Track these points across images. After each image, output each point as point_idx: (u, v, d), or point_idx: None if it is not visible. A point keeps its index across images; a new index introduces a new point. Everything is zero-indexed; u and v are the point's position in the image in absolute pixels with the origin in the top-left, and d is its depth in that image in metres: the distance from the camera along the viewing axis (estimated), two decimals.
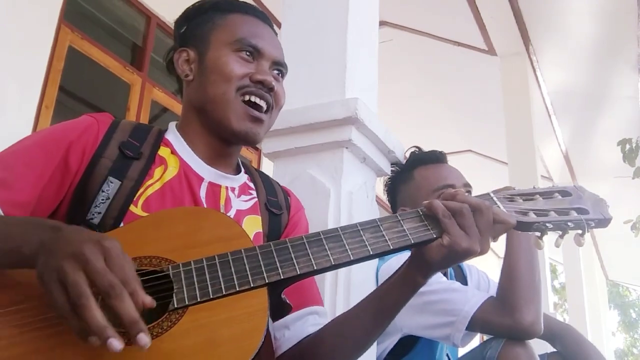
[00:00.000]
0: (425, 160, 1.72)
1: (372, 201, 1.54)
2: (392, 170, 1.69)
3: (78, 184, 0.97)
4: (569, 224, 0.97)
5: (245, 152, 4.87)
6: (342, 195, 1.40)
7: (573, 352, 1.68)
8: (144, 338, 0.67)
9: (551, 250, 6.91)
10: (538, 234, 0.99)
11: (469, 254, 0.89)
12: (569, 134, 6.35)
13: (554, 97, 5.67)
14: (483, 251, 0.91)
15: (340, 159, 1.44)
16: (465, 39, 5.13)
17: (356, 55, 1.57)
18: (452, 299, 1.44)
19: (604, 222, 1.00)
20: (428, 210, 0.92)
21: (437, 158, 1.72)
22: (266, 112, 1.09)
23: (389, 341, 1.55)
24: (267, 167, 1.66)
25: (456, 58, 5.35)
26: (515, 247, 1.46)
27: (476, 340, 1.60)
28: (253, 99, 1.07)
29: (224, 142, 1.11)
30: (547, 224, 0.97)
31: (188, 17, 1.17)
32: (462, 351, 1.68)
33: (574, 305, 7.15)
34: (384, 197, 1.83)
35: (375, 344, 1.39)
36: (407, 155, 1.76)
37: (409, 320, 1.49)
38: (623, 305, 16.88)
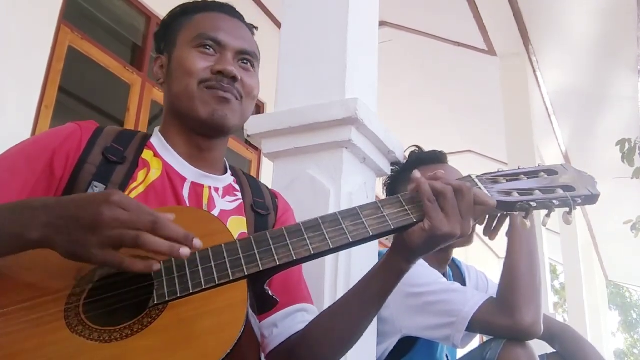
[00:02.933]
0: (426, 160, 1.71)
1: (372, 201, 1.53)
2: (391, 170, 1.69)
3: (64, 190, 0.98)
4: (555, 201, 0.96)
5: (245, 152, 4.87)
6: (342, 195, 1.40)
7: (572, 352, 1.68)
8: (198, 242, 0.78)
9: (551, 251, 6.91)
10: (523, 213, 0.98)
11: (450, 237, 0.90)
12: (569, 134, 6.36)
13: (554, 97, 5.67)
14: (464, 233, 0.92)
15: (340, 159, 1.44)
16: (465, 39, 5.13)
17: (356, 55, 1.57)
18: (451, 300, 1.44)
19: (591, 198, 0.98)
20: (417, 189, 0.92)
21: (437, 158, 1.72)
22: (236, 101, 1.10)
23: (389, 342, 1.55)
24: (267, 167, 1.66)
25: (456, 58, 5.36)
26: (516, 248, 1.46)
27: (475, 341, 1.60)
28: (214, 92, 1.07)
29: (201, 135, 1.11)
30: (531, 203, 0.95)
31: (164, 27, 1.20)
32: (461, 352, 1.68)
33: (574, 306, 7.15)
34: (384, 198, 1.82)
35: (374, 344, 1.39)
36: (407, 154, 1.76)
37: (408, 321, 1.49)
38: (624, 305, 16.89)
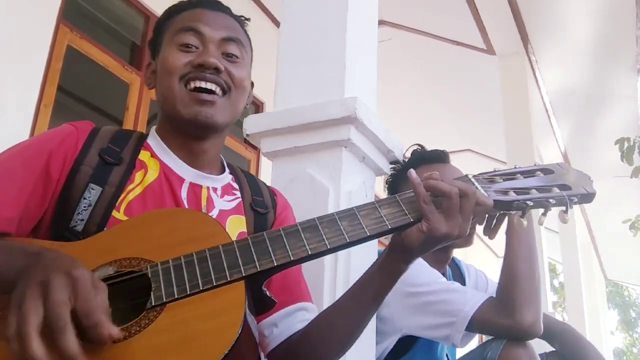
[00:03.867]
0: (428, 159, 1.70)
1: (371, 201, 1.53)
2: (393, 168, 1.68)
3: (60, 192, 0.97)
4: (551, 200, 0.96)
5: (244, 151, 4.87)
6: (341, 194, 1.40)
7: (571, 351, 1.68)
8: None
9: (550, 250, 6.92)
10: (519, 212, 0.98)
11: (448, 237, 0.90)
12: (568, 133, 6.36)
13: (553, 96, 5.67)
14: (461, 234, 0.91)
15: (339, 159, 1.44)
16: (464, 39, 5.13)
17: (355, 54, 1.57)
18: (451, 300, 1.44)
19: (587, 197, 0.98)
20: (413, 190, 0.92)
21: (440, 157, 1.71)
22: (223, 95, 1.08)
23: (389, 341, 1.55)
24: (266, 166, 1.65)
25: (455, 57, 5.36)
26: (514, 248, 1.46)
27: (475, 340, 1.60)
28: (197, 83, 1.05)
29: (191, 136, 1.10)
30: (528, 202, 0.96)
31: (153, 33, 1.19)
32: (461, 351, 1.68)
33: (573, 305, 7.16)
34: (384, 196, 1.82)
35: (373, 343, 1.39)
36: (409, 153, 1.75)
37: (408, 320, 1.49)
38: (623, 304, 16.91)
